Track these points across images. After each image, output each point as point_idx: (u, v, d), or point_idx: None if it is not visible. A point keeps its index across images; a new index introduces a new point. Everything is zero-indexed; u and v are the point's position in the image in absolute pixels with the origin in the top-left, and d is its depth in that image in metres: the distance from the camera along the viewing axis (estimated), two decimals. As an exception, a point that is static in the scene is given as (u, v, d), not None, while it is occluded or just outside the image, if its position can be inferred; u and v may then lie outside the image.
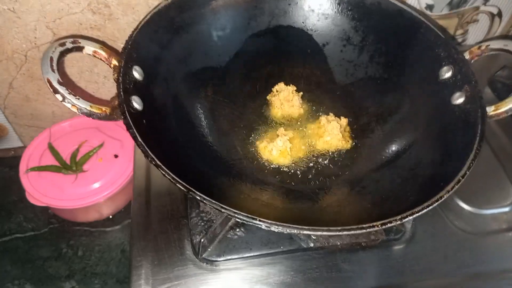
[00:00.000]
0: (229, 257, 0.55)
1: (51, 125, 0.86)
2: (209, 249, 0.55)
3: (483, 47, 0.56)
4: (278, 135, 0.60)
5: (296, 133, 0.63)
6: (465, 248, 0.59)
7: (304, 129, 0.64)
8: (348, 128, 0.64)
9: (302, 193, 0.56)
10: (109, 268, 0.77)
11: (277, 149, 0.59)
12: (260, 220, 0.39)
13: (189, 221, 0.58)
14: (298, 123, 0.65)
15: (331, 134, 0.61)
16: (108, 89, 0.84)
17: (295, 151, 0.61)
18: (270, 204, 0.53)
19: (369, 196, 0.53)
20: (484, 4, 0.81)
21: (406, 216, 0.41)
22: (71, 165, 0.78)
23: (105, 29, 0.73)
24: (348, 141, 0.62)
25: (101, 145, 0.81)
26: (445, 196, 0.43)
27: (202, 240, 0.55)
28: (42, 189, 0.75)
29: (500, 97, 0.78)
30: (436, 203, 0.42)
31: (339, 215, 0.51)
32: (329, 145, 0.61)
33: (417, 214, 0.41)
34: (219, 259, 0.55)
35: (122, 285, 0.75)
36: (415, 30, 0.62)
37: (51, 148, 0.80)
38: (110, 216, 0.84)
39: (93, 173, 0.78)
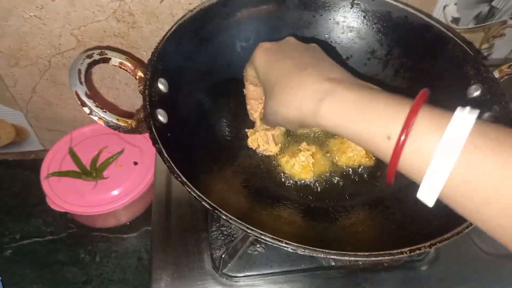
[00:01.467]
0: (249, 274, 0.55)
1: (71, 129, 0.87)
2: (229, 265, 0.54)
3: (514, 66, 0.55)
4: (300, 150, 0.60)
5: (319, 148, 0.62)
6: (490, 270, 0.57)
7: (327, 144, 0.63)
8: (371, 144, 0.63)
9: (323, 210, 0.55)
10: (125, 276, 0.77)
11: (300, 164, 0.59)
12: (286, 243, 0.39)
13: (209, 234, 0.58)
14: (321, 138, 0.64)
15: (354, 150, 0.60)
16: (128, 95, 0.84)
17: (318, 166, 0.60)
18: (292, 222, 0.52)
19: (392, 217, 0.52)
20: (511, 18, 0.79)
21: (436, 243, 0.40)
22: (91, 171, 0.78)
23: (128, 37, 0.74)
24: (371, 158, 0.61)
25: (121, 152, 0.81)
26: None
27: (223, 255, 0.55)
28: (62, 195, 0.76)
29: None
30: (467, 230, 0.41)
31: (362, 236, 0.50)
32: (352, 161, 0.60)
33: (446, 242, 0.40)
34: (239, 274, 0.55)
35: (138, 292, 0.75)
36: (442, 45, 0.60)
37: (72, 153, 0.81)
38: (128, 223, 0.85)
39: (113, 180, 0.78)
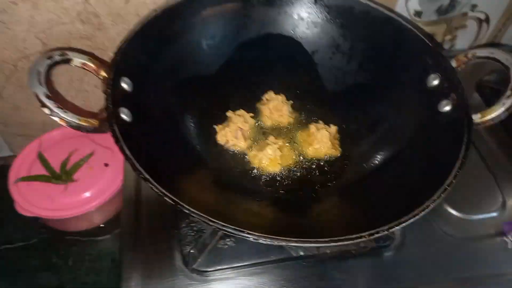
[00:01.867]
0: (219, 267, 0.55)
1: (41, 134, 0.85)
2: (199, 260, 0.55)
3: (469, 55, 0.57)
4: (268, 144, 0.61)
5: (286, 141, 0.63)
6: (454, 254, 0.59)
7: (294, 137, 0.64)
8: (337, 136, 0.64)
9: (292, 202, 0.56)
10: (100, 278, 0.76)
11: (267, 158, 0.60)
12: (248, 233, 0.39)
13: (179, 231, 0.58)
14: (288, 131, 0.65)
15: (321, 142, 0.61)
16: (98, 97, 0.82)
17: (285, 159, 0.61)
18: (260, 214, 0.53)
19: (357, 205, 0.54)
20: (472, 10, 0.82)
21: (393, 226, 0.41)
22: (61, 175, 0.77)
23: (95, 39, 0.73)
24: (337, 149, 0.62)
25: (91, 154, 0.80)
26: (431, 206, 0.43)
27: (192, 250, 0.55)
28: (31, 199, 0.74)
29: (488, 102, 0.78)
30: (423, 213, 0.43)
31: (329, 224, 0.51)
32: (319, 153, 0.62)
33: (404, 224, 0.42)
34: (209, 269, 0.55)
35: (112, 294, 0.74)
36: (403, 38, 0.62)
37: (41, 157, 0.80)
38: (101, 225, 0.84)
39: (84, 182, 0.77)
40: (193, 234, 0.58)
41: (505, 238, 0.60)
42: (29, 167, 0.79)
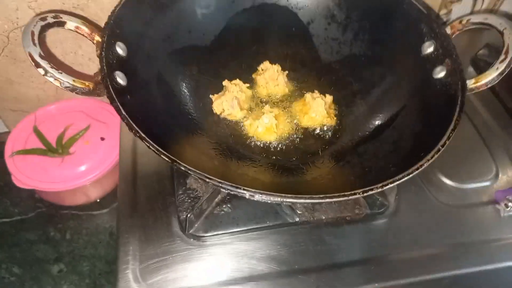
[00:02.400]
0: (215, 233, 0.56)
1: (36, 109, 0.85)
2: (196, 225, 0.55)
3: (464, 21, 0.57)
4: (264, 113, 0.61)
5: (282, 111, 0.63)
6: (447, 220, 0.60)
7: (290, 107, 0.64)
8: (333, 105, 0.64)
9: (288, 167, 0.57)
10: (97, 251, 0.77)
11: (263, 126, 0.60)
12: (244, 189, 0.40)
13: (176, 198, 0.58)
14: (284, 101, 0.65)
15: (316, 111, 0.61)
16: (93, 71, 0.82)
17: (281, 128, 0.61)
18: (256, 179, 0.53)
19: (353, 170, 0.54)
20: (468, -17, 0.81)
21: (387, 184, 0.42)
22: (57, 148, 0.77)
23: (88, 9, 0.72)
24: (333, 118, 0.62)
25: (87, 128, 0.80)
26: (425, 165, 0.43)
27: (189, 216, 0.55)
28: (28, 172, 0.75)
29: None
30: (417, 171, 0.43)
31: (324, 188, 0.52)
32: (314, 122, 0.62)
33: (397, 182, 0.42)
34: (206, 234, 0.55)
35: (111, 266, 0.75)
36: (397, 5, 0.62)
37: (37, 131, 0.79)
38: (98, 200, 0.84)
39: (80, 155, 0.78)
40: (189, 201, 0.58)
41: (497, 206, 0.61)
42: (25, 141, 0.79)
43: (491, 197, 0.62)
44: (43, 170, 0.75)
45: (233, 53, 0.68)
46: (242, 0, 0.68)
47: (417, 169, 0.43)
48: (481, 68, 0.80)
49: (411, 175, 0.43)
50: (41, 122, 0.82)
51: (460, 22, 0.57)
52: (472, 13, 0.88)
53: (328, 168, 0.56)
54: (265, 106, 0.62)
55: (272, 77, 0.64)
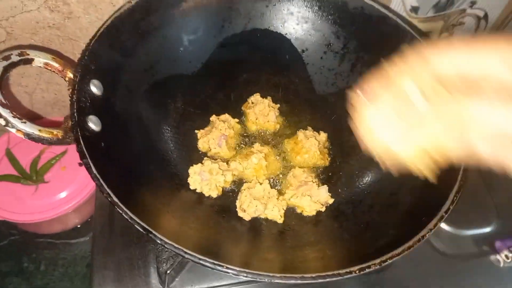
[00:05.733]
0: (198, 287, 0.52)
1: (10, 128, 0.79)
2: (177, 279, 0.51)
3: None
4: (253, 152, 0.56)
5: (272, 149, 0.59)
6: (447, 272, 0.57)
7: (281, 144, 0.60)
8: (327, 144, 0.60)
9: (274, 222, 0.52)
10: (73, 284, 0.73)
11: (252, 167, 0.56)
12: (227, 267, 0.36)
13: (156, 246, 0.54)
14: (275, 138, 0.61)
15: (309, 151, 0.57)
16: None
17: (271, 168, 0.57)
18: (243, 238, 0.49)
19: (347, 224, 0.50)
20: (471, 7, 0.77)
21: (386, 260, 0.38)
22: (31, 175, 0.72)
23: (65, 28, 0.67)
24: (326, 159, 0.58)
25: (64, 152, 0.75)
26: (427, 236, 0.40)
27: (168, 271, 0.51)
28: (-1, 201, 0.69)
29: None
30: (418, 244, 0.39)
31: (317, 246, 0.48)
32: (306, 163, 0.58)
33: (397, 257, 0.38)
34: (187, 289, 0.51)
35: (87, 302, 0.71)
36: (399, 39, 0.58)
37: (9, 154, 0.74)
38: (77, 226, 0.79)
39: (56, 183, 0.72)
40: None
41: (497, 256, 0.58)
42: (-4, 166, 0.73)
43: (491, 245, 0.59)
44: (16, 199, 0.70)
45: (222, 83, 0.64)
46: (232, 25, 0.63)
47: (418, 241, 0.40)
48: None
49: (411, 249, 0.39)
50: (15, 144, 0.76)
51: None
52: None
53: (320, 219, 0.52)
54: (255, 145, 0.58)
55: (262, 113, 0.60)
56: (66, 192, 0.72)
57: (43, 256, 0.76)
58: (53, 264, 0.75)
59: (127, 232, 0.56)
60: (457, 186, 0.43)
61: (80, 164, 0.75)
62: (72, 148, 0.75)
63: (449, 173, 0.45)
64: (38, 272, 0.74)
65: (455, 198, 0.42)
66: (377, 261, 0.38)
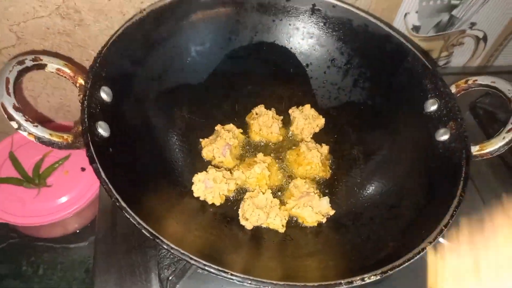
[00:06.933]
0: (199, 294, 0.52)
1: (13, 131, 0.80)
2: (178, 285, 0.52)
3: (470, 82, 0.54)
4: (256, 162, 0.57)
5: (275, 159, 0.60)
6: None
7: (283, 155, 0.61)
8: (329, 156, 0.61)
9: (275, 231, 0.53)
10: (71, 289, 0.73)
11: (255, 176, 0.57)
12: (232, 274, 0.36)
13: (157, 252, 0.55)
14: (277, 149, 0.62)
15: (311, 163, 0.58)
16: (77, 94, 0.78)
17: (273, 179, 0.58)
18: (246, 244, 0.50)
19: (348, 235, 0.51)
20: (471, 28, 0.80)
21: (387, 271, 0.39)
22: (33, 178, 0.73)
23: (74, 35, 0.68)
24: (328, 171, 0.59)
25: (67, 157, 0.76)
26: (426, 249, 0.41)
27: (170, 277, 0.51)
28: (1, 204, 0.70)
29: (481, 124, 0.77)
30: (418, 256, 0.40)
31: (318, 256, 0.48)
32: (308, 174, 0.59)
33: (397, 269, 0.39)
34: (188, 296, 0.52)
35: (85, 307, 0.71)
36: (402, 57, 0.60)
37: (13, 157, 0.74)
38: (77, 231, 0.80)
39: (58, 187, 0.73)
40: (172, 256, 0.54)
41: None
42: (-1, 168, 0.74)
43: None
44: (18, 202, 0.70)
45: (227, 93, 0.65)
46: (239, 37, 0.64)
47: (418, 253, 0.41)
48: (480, 116, 0.77)
49: (411, 260, 0.40)
50: (18, 146, 0.77)
51: (466, 82, 0.55)
52: (473, 56, 0.87)
53: (321, 230, 0.53)
54: (258, 155, 0.59)
55: (266, 124, 0.61)
56: (68, 197, 0.73)
57: (42, 260, 0.75)
58: (52, 268, 0.75)
59: (129, 238, 0.56)
60: (456, 201, 0.44)
61: (83, 169, 0.76)
62: (75, 152, 0.77)
63: (449, 188, 0.46)
64: (36, 276, 0.74)
65: (454, 212, 0.43)
66: (378, 271, 0.38)
